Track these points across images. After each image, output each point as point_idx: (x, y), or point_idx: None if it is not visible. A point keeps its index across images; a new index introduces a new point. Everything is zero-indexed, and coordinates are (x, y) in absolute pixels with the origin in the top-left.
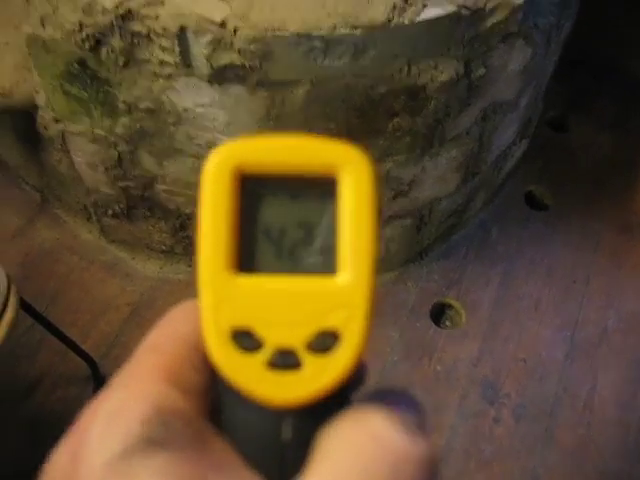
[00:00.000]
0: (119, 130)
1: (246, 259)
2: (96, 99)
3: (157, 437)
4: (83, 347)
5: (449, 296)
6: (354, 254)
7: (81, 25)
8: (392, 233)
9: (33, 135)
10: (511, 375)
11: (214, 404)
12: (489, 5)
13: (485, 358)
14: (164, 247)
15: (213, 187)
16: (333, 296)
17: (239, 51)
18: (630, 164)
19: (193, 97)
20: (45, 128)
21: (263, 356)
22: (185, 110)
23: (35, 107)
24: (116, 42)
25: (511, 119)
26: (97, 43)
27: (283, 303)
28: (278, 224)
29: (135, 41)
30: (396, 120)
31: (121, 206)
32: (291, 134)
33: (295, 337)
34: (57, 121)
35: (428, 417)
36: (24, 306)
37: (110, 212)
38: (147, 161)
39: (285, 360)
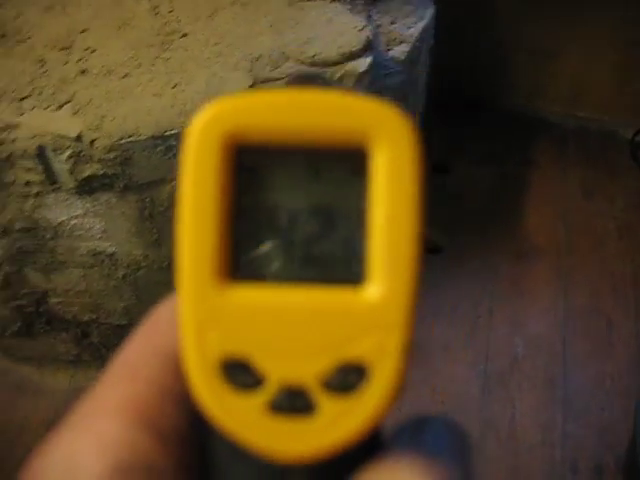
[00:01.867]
0: (0, 253)
1: (242, 263)
2: None
3: None
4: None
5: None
6: (390, 257)
7: None
8: None
9: None
10: None
11: (200, 455)
12: (336, 76)
13: (404, 407)
14: (71, 357)
15: (196, 162)
16: (359, 315)
17: (99, 161)
18: (512, 193)
19: (66, 210)
20: None
21: (264, 396)
22: (60, 224)
23: None
24: None
25: None
26: None
27: (292, 324)
28: (287, 212)
29: None
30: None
31: (18, 325)
32: (304, 89)
33: (307, 371)
34: None
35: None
36: None
37: (8, 332)
38: (34, 278)
39: (293, 402)
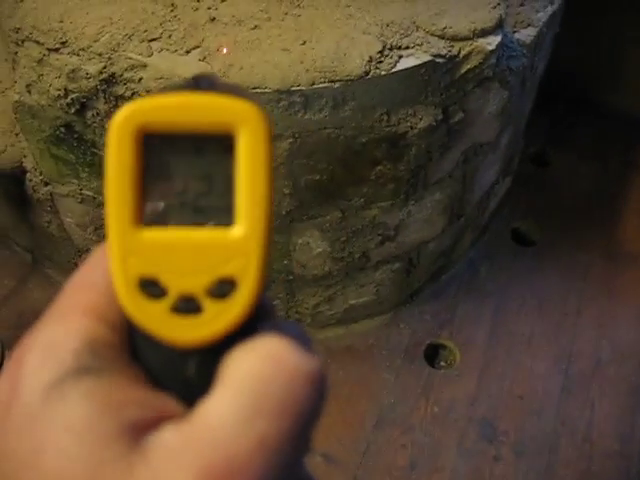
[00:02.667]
0: None
1: (151, 213)
2: (83, 161)
3: (87, 365)
4: None
5: (442, 336)
6: (249, 207)
7: (66, 91)
8: (382, 277)
9: (22, 197)
10: (508, 412)
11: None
12: (463, 52)
13: (482, 397)
14: None
15: (117, 145)
16: (231, 246)
17: None
18: (611, 193)
19: None
20: (34, 191)
21: (167, 302)
22: None
23: (23, 170)
24: (101, 105)
25: (492, 159)
26: (82, 107)
27: (185, 253)
28: (181, 178)
29: (120, 104)
30: (379, 168)
31: None
32: (192, 92)
33: (196, 284)
34: (45, 184)
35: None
36: None
37: None
38: None
39: (187, 306)
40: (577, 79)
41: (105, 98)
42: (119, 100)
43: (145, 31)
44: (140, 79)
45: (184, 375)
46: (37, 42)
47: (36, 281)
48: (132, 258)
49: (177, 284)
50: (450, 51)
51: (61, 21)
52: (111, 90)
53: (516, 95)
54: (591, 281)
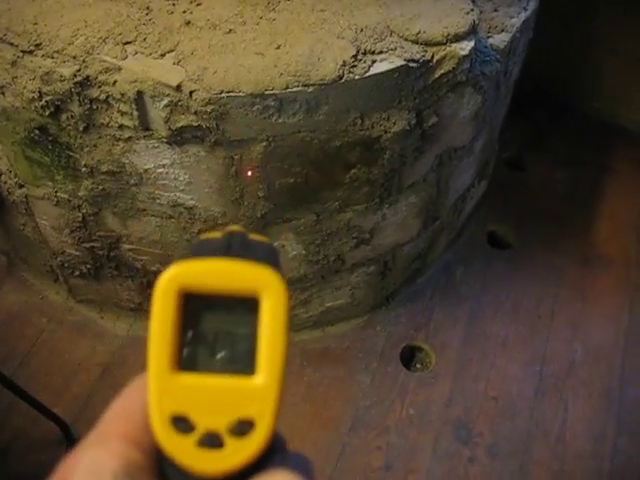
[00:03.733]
0: (82, 193)
1: (186, 359)
2: (58, 164)
3: None
4: (55, 410)
5: (418, 339)
6: (269, 360)
7: (40, 93)
8: (357, 280)
9: None
10: (483, 414)
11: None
12: (436, 57)
13: (456, 399)
14: (132, 305)
15: (161, 302)
16: (251, 392)
17: (196, 113)
18: (586, 198)
19: (153, 158)
20: (9, 193)
21: (195, 437)
22: (146, 171)
23: None
24: (75, 108)
25: (467, 163)
26: (57, 110)
27: (212, 396)
28: (212, 332)
29: (94, 107)
30: (353, 171)
31: (88, 266)
32: (224, 258)
33: (220, 423)
34: (20, 186)
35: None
36: None
37: (77, 273)
38: (111, 222)
39: (212, 441)
40: (553, 85)
41: (80, 101)
42: (94, 103)
43: (120, 34)
44: (115, 82)
45: None
46: (11, 44)
47: (11, 284)
48: (167, 397)
49: (204, 422)
50: (424, 56)
51: (35, 23)
52: (85, 93)
53: (490, 100)
54: (565, 284)
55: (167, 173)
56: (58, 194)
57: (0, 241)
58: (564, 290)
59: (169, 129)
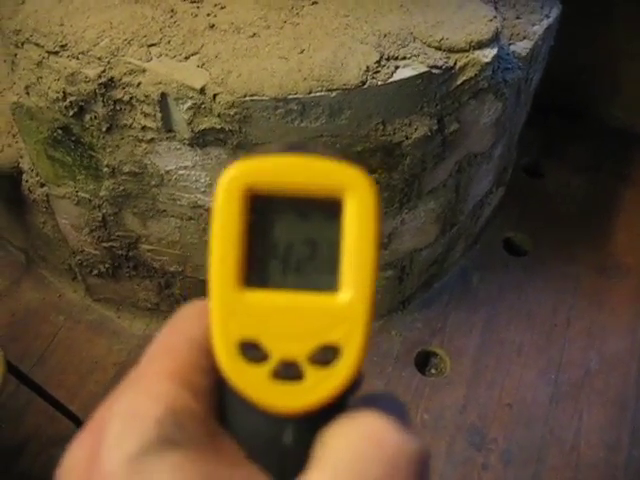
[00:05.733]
0: (103, 193)
1: (254, 274)
2: (80, 163)
3: (171, 436)
4: (71, 408)
5: (433, 344)
6: (356, 273)
7: (65, 93)
8: None
9: (18, 198)
10: (497, 420)
11: (221, 405)
12: (459, 64)
13: (471, 405)
14: (150, 305)
15: (224, 205)
16: (335, 312)
17: (219, 116)
18: (604, 206)
19: (175, 160)
20: (30, 191)
21: (268, 367)
22: (167, 172)
23: (20, 171)
24: (99, 109)
25: (486, 169)
26: (80, 110)
27: (288, 317)
28: (285, 241)
29: (117, 108)
30: (373, 176)
31: (106, 266)
32: (301, 155)
33: (298, 350)
34: (42, 185)
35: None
36: (10, 368)
37: (95, 272)
38: (131, 222)
39: (288, 371)
40: (573, 92)
41: (103, 102)
42: (117, 104)
43: (144, 36)
44: (139, 84)
45: (279, 445)
46: (37, 44)
47: (30, 282)
48: (234, 320)
49: (279, 349)
50: (446, 62)
51: (61, 24)
52: (110, 94)
53: (511, 107)
54: (581, 292)
55: (188, 175)
56: (79, 193)
57: (19, 239)
58: (580, 298)
59: (192, 131)
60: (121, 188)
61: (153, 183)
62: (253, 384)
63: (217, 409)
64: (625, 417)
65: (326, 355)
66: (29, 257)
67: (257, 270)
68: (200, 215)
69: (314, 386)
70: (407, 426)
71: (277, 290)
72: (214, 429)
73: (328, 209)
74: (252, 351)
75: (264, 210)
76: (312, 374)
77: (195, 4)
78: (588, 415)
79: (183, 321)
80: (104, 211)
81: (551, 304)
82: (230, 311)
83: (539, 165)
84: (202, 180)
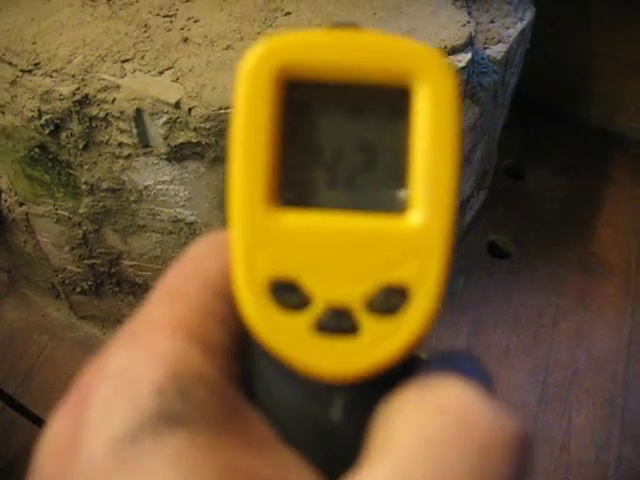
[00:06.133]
0: (82, 210)
1: (291, 190)
2: (58, 181)
3: (174, 411)
4: None
5: (419, 349)
6: (430, 188)
7: (40, 112)
8: None
9: None
10: None
11: (245, 369)
12: None
13: None
14: None
15: (250, 96)
16: (402, 241)
17: (195, 129)
18: (586, 205)
19: (153, 175)
20: (9, 211)
21: (310, 316)
22: (146, 188)
23: None
24: (75, 126)
25: (466, 174)
26: (56, 128)
27: (338, 249)
28: (332, 145)
29: (93, 124)
30: None
31: (89, 283)
32: (350, 30)
33: (352, 293)
34: (21, 204)
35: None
36: None
37: (78, 289)
38: (112, 238)
39: (338, 322)
40: (551, 93)
41: (79, 119)
42: (93, 121)
43: (118, 52)
44: (114, 100)
45: (325, 424)
46: (10, 63)
47: (13, 301)
48: (264, 252)
49: (325, 291)
50: None
51: (34, 43)
52: (85, 111)
53: (488, 110)
54: (566, 292)
55: (167, 189)
56: (58, 212)
57: (1, 258)
58: (565, 298)
59: (168, 146)
60: (100, 205)
61: (132, 199)
62: (290, 339)
63: (239, 374)
64: (614, 415)
65: (390, 300)
66: (11, 276)
67: (295, 184)
68: (181, 229)
69: (373, 342)
70: (496, 400)
71: (322, 211)
72: (235, 401)
73: (391, 101)
74: (288, 294)
75: (304, 103)
76: (370, 326)
77: (168, 18)
78: (577, 415)
79: (195, 257)
80: (84, 228)
81: (537, 305)
82: (258, 240)
83: (520, 167)
84: (181, 194)
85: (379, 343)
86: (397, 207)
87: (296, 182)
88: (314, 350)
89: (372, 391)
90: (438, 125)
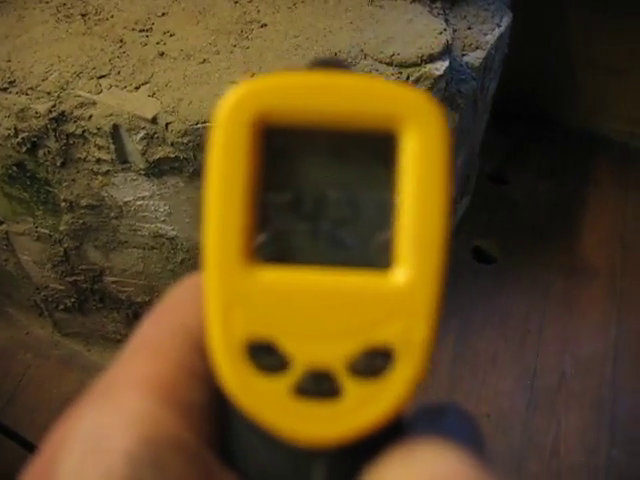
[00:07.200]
0: (63, 227)
1: (269, 244)
2: (37, 199)
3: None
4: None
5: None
6: (417, 243)
7: (16, 130)
8: None
9: None
10: None
11: (219, 431)
12: (411, 78)
13: None
14: (119, 336)
15: (226, 143)
16: (387, 300)
17: (172, 144)
18: (569, 209)
19: (132, 191)
20: None
21: (290, 379)
22: (126, 204)
23: None
24: (52, 144)
25: None
26: (33, 146)
27: (318, 307)
28: (314, 196)
29: (70, 142)
30: None
31: (72, 300)
32: (332, 72)
33: (333, 355)
34: (0, 222)
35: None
36: None
37: (61, 307)
38: (93, 255)
39: (319, 385)
40: (533, 97)
41: (56, 136)
42: (70, 138)
43: (94, 68)
44: (90, 116)
45: None
46: None
47: None
48: (240, 310)
49: (305, 353)
50: (399, 77)
51: (9, 60)
52: (61, 128)
53: (468, 117)
54: (552, 297)
55: (147, 205)
56: (39, 229)
57: None
58: (551, 303)
59: (147, 161)
60: (80, 222)
61: (112, 215)
62: (268, 403)
63: (216, 437)
64: (603, 419)
65: (374, 362)
66: None
67: (273, 238)
68: (162, 244)
69: (356, 407)
70: (486, 464)
71: (302, 267)
72: (211, 466)
73: (376, 148)
74: (267, 356)
75: (283, 150)
76: (353, 389)
77: (144, 33)
78: (566, 420)
79: (172, 306)
80: (65, 245)
81: (523, 310)
82: (234, 298)
83: (503, 171)
84: (161, 209)
85: (362, 408)
86: (382, 262)
87: (275, 235)
88: (294, 414)
89: (355, 456)
90: (426, 175)
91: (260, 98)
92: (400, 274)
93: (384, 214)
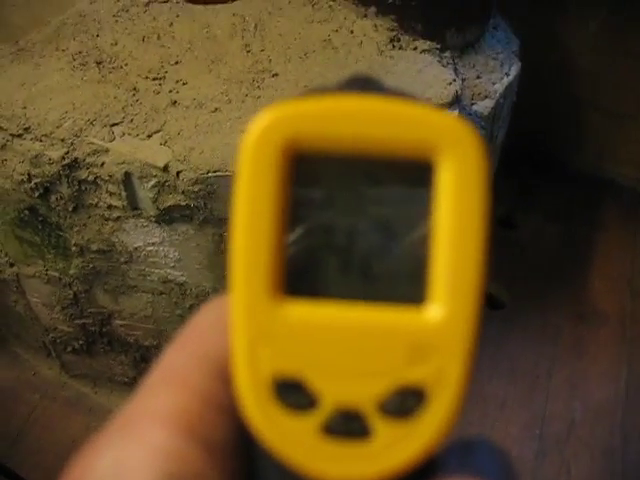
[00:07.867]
0: (73, 271)
1: (298, 277)
2: (48, 243)
3: None
4: None
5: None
6: (453, 278)
7: (30, 175)
8: None
9: None
10: None
11: (244, 468)
12: None
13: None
14: (127, 379)
15: (253, 171)
16: (420, 337)
17: (183, 193)
18: (578, 253)
19: (143, 237)
20: (0, 271)
21: (318, 418)
22: (136, 249)
23: None
24: (64, 189)
25: None
26: (46, 191)
27: (348, 344)
28: (345, 226)
29: (83, 188)
30: None
31: (80, 342)
32: (367, 96)
33: (363, 394)
34: (11, 264)
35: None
36: None
37: (69, 348)
38: (103, 298)
39: (348, 425)
40: (541, 142)
41: (68, 183)
42: (82, 184)
43: (107, 116)
44: (103, 164)
45: None
46: (0, 128)
47: (3, 360)
48: (267, 347)
49: (334, 391)
50: None
51: (24, 107)
52: (74, 175)
53: None
54: (561, 342)
55: (157, 251)
56: (49, 272)
57: None
58: (561, 348)
59: (157, 209)
60: (91, 266)
61: (122, 260)
62: (295, 442)
63: (240, 474)
64: (614, 468)
65: (405, 402)
66: (2, 335)
67: (302, 271)
68: (171, 289)
69: (386, 448)
70: None
71: (332, 301)
72: None
73: (410, 177)
74: (294, 394)
75: (313, 178)
76: (383, 430)
77: (157, 81)
78: (576, 467)
79: (196, 333)
80: (75, 289)
81: (532, 356)
82: (261, 333)
83: (512, 216)
84: (171, 255)
85: (392, 449)
86: (415, 298)
87: (304, 268)
88: (321, 455)
89: None
90: (463, 206)
91: (290, 123)
92: (434, 310)
93: (418, 247)
